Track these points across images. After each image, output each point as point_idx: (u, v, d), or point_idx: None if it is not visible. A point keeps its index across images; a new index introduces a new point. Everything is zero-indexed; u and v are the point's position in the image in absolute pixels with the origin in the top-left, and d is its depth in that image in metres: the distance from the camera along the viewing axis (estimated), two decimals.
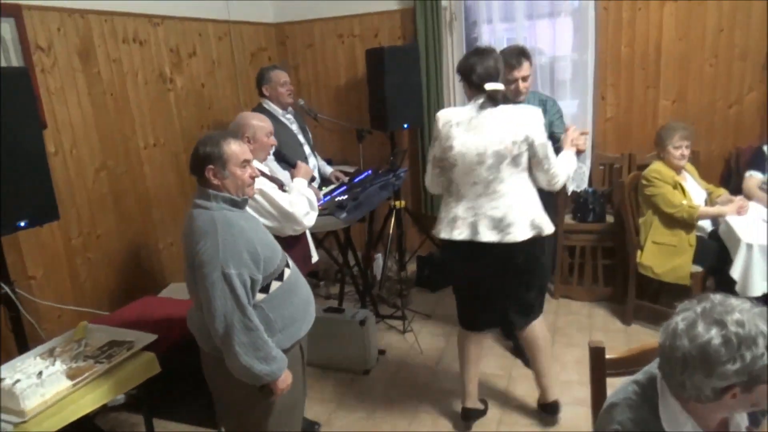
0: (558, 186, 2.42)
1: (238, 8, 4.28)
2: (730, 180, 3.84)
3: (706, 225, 3.37)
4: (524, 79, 2.81)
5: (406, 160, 4.63)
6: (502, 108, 2.34)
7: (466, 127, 2.36)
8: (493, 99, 2.32)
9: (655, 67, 3.99)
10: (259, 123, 2.49)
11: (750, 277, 2.80)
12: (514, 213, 2.34)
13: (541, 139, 2.32)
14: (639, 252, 3.38)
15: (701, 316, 1.18)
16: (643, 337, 3.42)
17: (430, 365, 3.35)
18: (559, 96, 4.09)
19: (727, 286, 3.08)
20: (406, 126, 4.37)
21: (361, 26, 4.60)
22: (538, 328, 2.63)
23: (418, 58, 4.29)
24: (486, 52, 2.37)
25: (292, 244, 2.46)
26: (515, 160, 2.32)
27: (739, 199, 3.21)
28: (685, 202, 3.21)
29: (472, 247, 2.40)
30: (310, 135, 3.85)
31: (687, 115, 3.95)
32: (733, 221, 3.09)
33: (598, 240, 3.87)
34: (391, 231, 4.19)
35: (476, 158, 2.33)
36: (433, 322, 3.87)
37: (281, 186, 2.50)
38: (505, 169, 2.32)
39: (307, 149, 3.67)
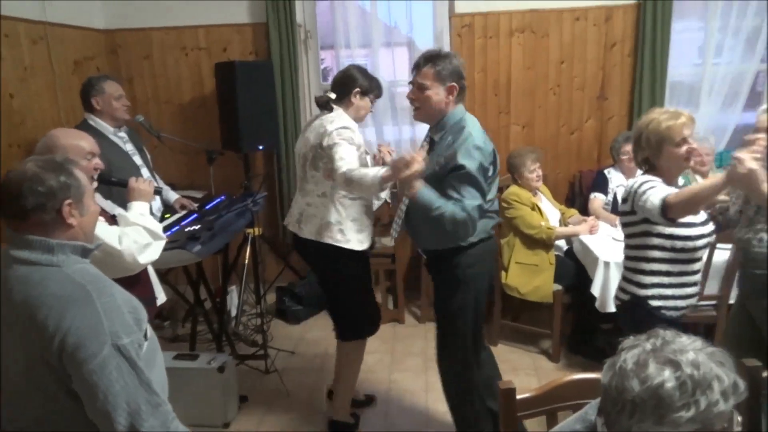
0: (355, 194, 2.51)
1: (57, 9, 3.66)
2: (574, 201, 4.09)
3: (561, 244, 3.52)
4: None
5: (260, 184, 4.30)
6: (324, 114, 2.58)
7: (303, 129, 2.70)
8: (318, 104, 2.62)
9: (506, 94, 4.15)
10: (74, 142, 1.98)
11: (608, 293, 2.93)
12: (307, 212, 2.59)
13: (329, 143, 2.42)
14: (504, 273, 3.42)
15: (652, 355, 1.06)
16: (510, 356, 3.45)
17: (299, 408, 3.04)
18: (409, 122, 4.16)
19: (584, 303, 3.22)
20: (260, 147, 4.05)
21: (208, 39, 4.22)
22: (345, 349, 2.77)
23: (273, 76, 4.02)
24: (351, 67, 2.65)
25: (132, 284, 2.02)
26: (313, 163, 2.52)
27: (590, 219, 3.39)
28: (543, 223, 3.32)
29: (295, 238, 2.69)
30: (149, 156, 3.36)
31: (535, 140, 4.15)
32: (587, 240, 3.24)
33: None
34: (246, 261, 3.82)
35: (298, 158, 2.65)
36: (299, 359, 3.56)
37: (109, 217, 2.07)
38: (308, 170, 2.56)
39: (145, 172, 3.19)
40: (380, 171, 2.23)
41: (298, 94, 4.14)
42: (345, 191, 2.49)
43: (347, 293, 2.66)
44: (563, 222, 3.52)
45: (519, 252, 3.36)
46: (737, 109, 4.19)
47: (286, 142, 4.16)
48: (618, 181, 3.66)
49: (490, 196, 2.28)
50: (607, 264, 2.94)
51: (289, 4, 3.96)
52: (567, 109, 4.16)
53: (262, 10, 4.04)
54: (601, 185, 3.69)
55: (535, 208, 3.38)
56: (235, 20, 4.15)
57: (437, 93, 2.22)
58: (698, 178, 3.16)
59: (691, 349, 1.04)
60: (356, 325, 2.72)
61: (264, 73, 3.95)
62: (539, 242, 3.31)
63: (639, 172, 3.65)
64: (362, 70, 2.64)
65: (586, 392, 1.51)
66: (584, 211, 3.69)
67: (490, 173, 2.23)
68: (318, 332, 3.82)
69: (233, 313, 3.94)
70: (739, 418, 1.04)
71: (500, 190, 3.60)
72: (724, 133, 4.16)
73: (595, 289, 2.98)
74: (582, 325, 3.40)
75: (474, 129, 2.21)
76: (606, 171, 3.72)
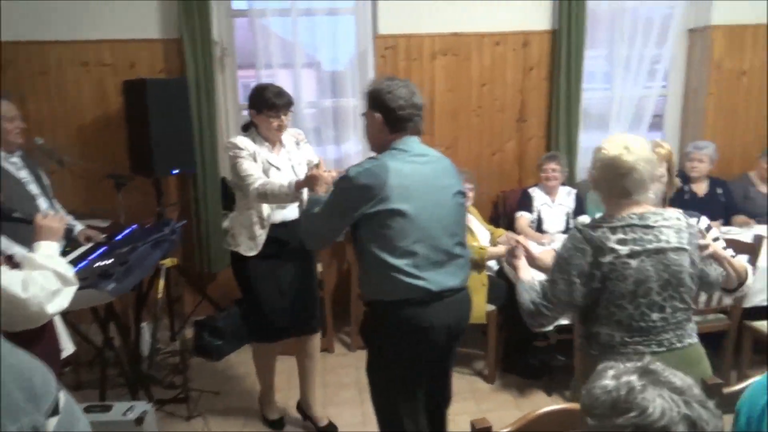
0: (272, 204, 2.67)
1: None
2: (498, 221, 4.14)
3: (492, 264, 3.53)
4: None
5: (177, 211, 4.01)
6: None
7: None
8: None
9: (429, 116, 4.13)
10: None
11: None
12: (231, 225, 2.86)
13: (230, 163, 2.67)
14: None
15: (651, 385, 1.00)
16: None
17: None
18: (333, 141, 4.15)
19: (517, 322, 3.23)
20: (174, 171, 3.77)
21: (114, 54, 3.89)
22: (253, 350, 3.00)
23: (187, 94, 3.76)
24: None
25: (32, 339, 1.73)
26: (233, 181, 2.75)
27: (520, 239, 3.41)
28: (475, 243, 3.31)
29: None
30: (48, 184, 3.00)
31: (459, 161, 4.11)
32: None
33: None
34: (159, 295, 3.50)
35: None
36: (224, 399, 3.29)
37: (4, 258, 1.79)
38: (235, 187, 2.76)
39: (43, 202, 2.84)
40: (293, 179, 2.46)
41: (214, 114, 3.90)
42: (258, 203, 2.66)
43: (245, 296, 2.83)
44: (493, 242, 3.53)
45: None
46: (642, 131, 4.46)
47: (203, 165, 3.90)
48: (542, 200, 3.75)
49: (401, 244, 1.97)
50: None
51: (204, 19, 3.75)
52: (489, 130, 4.23)
53: (173, 25, 3.79)
54: (526, 204, 3.76)
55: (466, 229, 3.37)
56: (144, 35, 3.86)
57: (369, 123, 2.12)
58: None
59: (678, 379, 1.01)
60: (257, 328, 2.88)
61: (177, 92, 3.69)
62: (471, 263, 3.29)
63: (563, 190, 3.78)
64: (259, 88, 2.68)
65: (564, 423, 1.46)
66: (509, 230, 3.74)
67: (373, 209, 1.96)
68: (244, 368, 3.56)
69: (146, 352, 3.59)
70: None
71: None
72: None
73: None
74: (516, 344, 3.41)
75: (390, 162, 1.99)
76: (530, 190, 3.80)
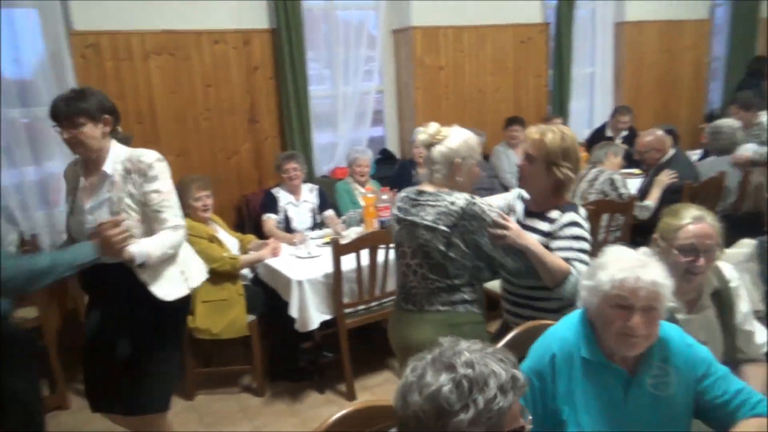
0: None
1: None
2: (244, 226, 3.96)
3: (246, 273, 3.34)
4: None
5: None
6: None
7: None
8: None
9: (152, 122, 3.75)
10: None
11: (307, 312, 2.89)
12: None
13: None
14: (190, 317, 3.04)
15: (431, 364, 1.02)
16: (213, 406, 3.10)
17: None
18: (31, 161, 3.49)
19: (280, 327, 3.12)
20: None
21: None
22: None
23: None
24: None
25: None
26: None
27: (271, 242, 3.30)
28: (225, 254, 3.08)
29: None
30: None
31: (193, 168, 3.86)
32: (273, 264, 3.15)
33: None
34: None
35: None
36: None
37: None
38: None
39: None
40: None
41: None
42: None
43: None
44: (243, 249, 3.34)
45: (204, 290, 3.02)
46: (366, 125, 4.75)
47: None
48: (286, 200, 3.69)
49: None
50: (300, 283, 2.90)
51: None
52: (221, 133, 4.01)
53: None
54: (271, 205, 3.65)
55: (213, 239, 3.12)
56: None
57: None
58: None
59: (467, 350, 1.03)
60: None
61: None
62: (224, 275, 3.06)
63: (306, 187, 3.76)
64: None
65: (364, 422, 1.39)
66: (258, 234, 3.60)
67: None
68: None
69: None
70: (530, 417, 1.05)
71: None
72: (362, 146, 4.61)
73: (293, 311, 2.90)
74: (282, 351, 3.29)
75: None
76: (274, 191, 3.71)
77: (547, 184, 1.95)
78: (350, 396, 3.04)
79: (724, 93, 6.77)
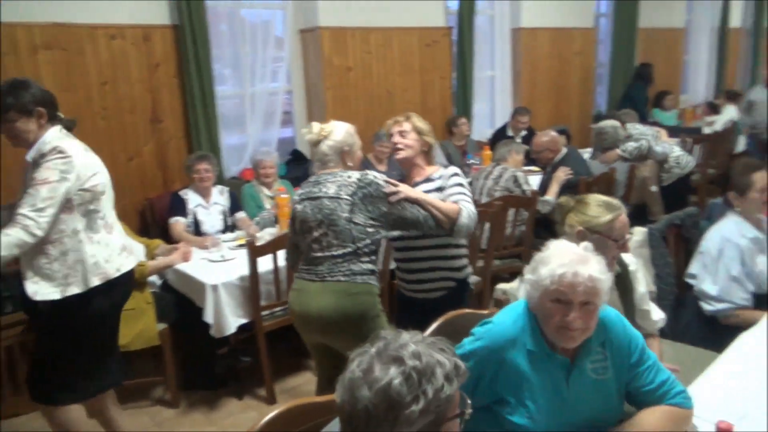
0: None
1: None
2: (149, 231, 3.77)
3: (154, 280, 3.18)
4: None
5: None
6: None
7: None
8: None
9: None
10: None
11: (223, 316, 2.80)
12: None
13: None
14: None
15: (377, 358, 1.02)
16: (126, 421, 2.91)
17: None
18: None
19: (194, 334, 3.01)
20: None
21: None
22: None
23: None
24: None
25: None
26: None
27: (181, 246, 3.17)
28: None
29: None
30: None
31: None
32: (184, 268, 3.02)
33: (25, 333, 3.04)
34: None
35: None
36: None
37: None
38: None
39: None
40: None
41: None
42: None
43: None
44: (150, 255, 3.18)
45: None
46: (276, 126, 4.68)
47: None
48: (195, 202, 3.55)
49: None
50: (215, 287, 2.80)
51: None
52: (120, 134, 3.79)
53: None
54: (180, 208, 3.50)
55: None
56: None
57: None
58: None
59: (412, 342, 1.04)
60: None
61: None
62: None
63: (216, 190, 3.66)
64: None
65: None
66: (166, 239, 3.43)
67: None
68: None
69: None
70: (469, 401, 1.08)
71: None
72: (272, 147, 4.55)
73: (209, 316, 2.80)
74: (196, 358, 3.16)
75: None
76: (182, 193, 3.55)
77: (420, 151, 2.38)
78: (270, 400, 2.98)
79: (609, 96, 7.34)
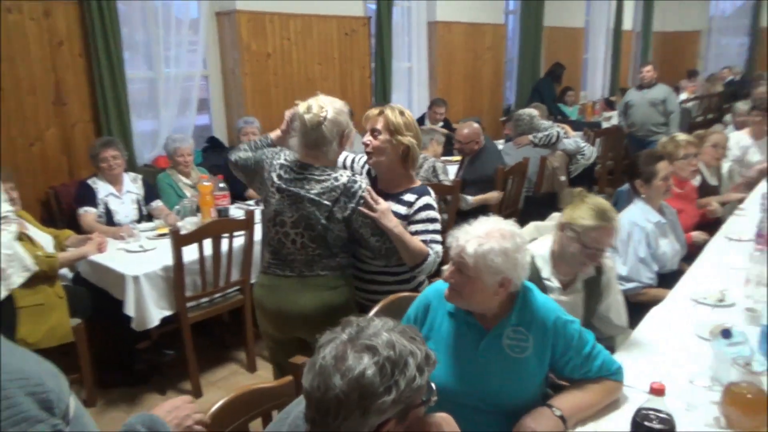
0: None
1: None
2: (55, 221, 3.51)
3: (65, 272, 2.97)
4: None
5: None
6: None
7: None
8: None
9: None
10: None
11: (145, 309, 2.67)
12: None
13: None
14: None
15: (350, 345, 1.00)
16: None
17: None
18: None
19: (112, 328, 2.85)
20: None
21: None
22: None
23: None
24: None
25: None
26: None
27: (95, 236, 2.97)
28: (40, 252, 2.71)
29: None
30: None
31: None
32: (100, 260, 2.85)
33: None
34: None
35: None
36: None
37: None
38: None
39: None
40: None
41: None
42: None
43: None
44: (59, 246, 2.96)
45: (16, 295, 2.63)
46: (192, 112, 4.50)
47: None
48: (106, 191, 3.34)
49: None
50: (136, 278, 2.67)
51: None
52: (19, 116, 3.48)
53: None
54: (89, 198, 3.28)
55: (23, 237, 2.71)
56: None
57: None
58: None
59: (384, 330, 1.03)
60: None
61: None
62: (39, 276, 2.67)
63: (128, 177, 3.46)
64: None
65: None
66: (74, 230, 3.21)
67: None
68: None
69: None
70: (435, 388, 1.08)
71: None
72: (187, 134, 4.36)
73: (129, 309, 2.66)
74: (114, 354, 2.99)
75: None
76: (90, 182, 3.33)
77: (395, 155, 2.01)
78: (197, 393, 2.89)
79: (517, 90, 7.69)
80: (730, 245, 2.81)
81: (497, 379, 1.54)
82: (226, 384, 3.03)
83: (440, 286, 1.61)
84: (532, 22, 7.47)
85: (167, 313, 2.78)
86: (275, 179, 2.03)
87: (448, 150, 4.80)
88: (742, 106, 5.23)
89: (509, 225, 1.54)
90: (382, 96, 5.67)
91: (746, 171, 4.12)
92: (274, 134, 2.21)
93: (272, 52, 4.77)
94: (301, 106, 1.99)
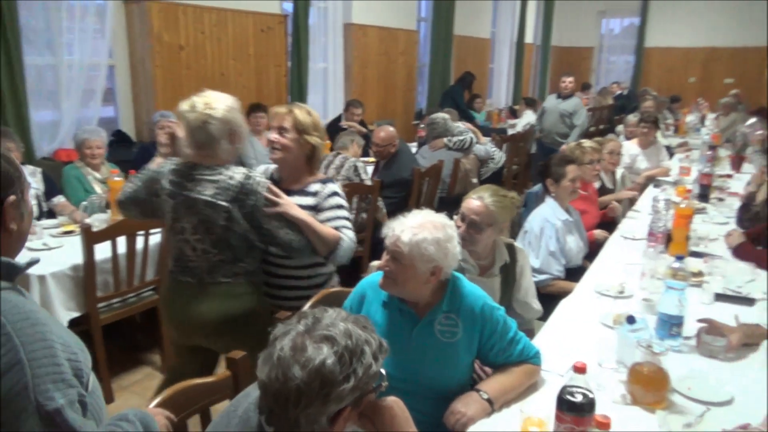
0: None
1: None
2: None
3: None
4: None
5: None
6: None
7: None
8: None
9: None
10: None
11: (53, 311, 2.49)
12: None
13: None
14: None
15: (308, 336, 1.03)
16: None
17: None
18: None
19: None
20: None
21: None
22: None
23: None
24: None
25: None
26: None
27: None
28: None
29: None
30: None
31: None
32: None
33: None
34: None
35: None
36: None
37: None
38: None
39: None
40: None
41: None
42: None
43: None
44: None
45: None
46: (96, 103, 4.25)
47: None
48: None
49: None
50: (42, 278, 2.47)
51: None
52: None
53: None
54: None
55: None
56: None
57: None
58: None
59: (340, 320, 1.06)
60: None
61: None
62: None
63: (26, 170, 3.22)
64: None
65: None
66: None
67: None
68: None
69: None
70: (385, 374, 1.13)
71: None
72: (92, 126, 4.12)
73: None
74: None
75: None
76: None
77: (301, 154, 2.02)
78: (108, 398, 2.74)
79: (428, 95, 7.93)
80: (626, 243, 3.07)
81: (431, 364, 1.61)
82: (139, 388, 2.89)
83: (374, 278, 1.67)
84: (442, 29, 7.73)
85: (76, 314, 2.62)
86: (166, 185, 1.94)
87: (363, 152, 4.86)
88: (632, 118, 5.72)
89: (441, 217, 1.62)
90: (298, 95, 5.65)
91: (636, 177, 4.53)
92: (156, 164, 2.08)
93: (185, 45, 4.61)
94: (184, 104, 1.89)
